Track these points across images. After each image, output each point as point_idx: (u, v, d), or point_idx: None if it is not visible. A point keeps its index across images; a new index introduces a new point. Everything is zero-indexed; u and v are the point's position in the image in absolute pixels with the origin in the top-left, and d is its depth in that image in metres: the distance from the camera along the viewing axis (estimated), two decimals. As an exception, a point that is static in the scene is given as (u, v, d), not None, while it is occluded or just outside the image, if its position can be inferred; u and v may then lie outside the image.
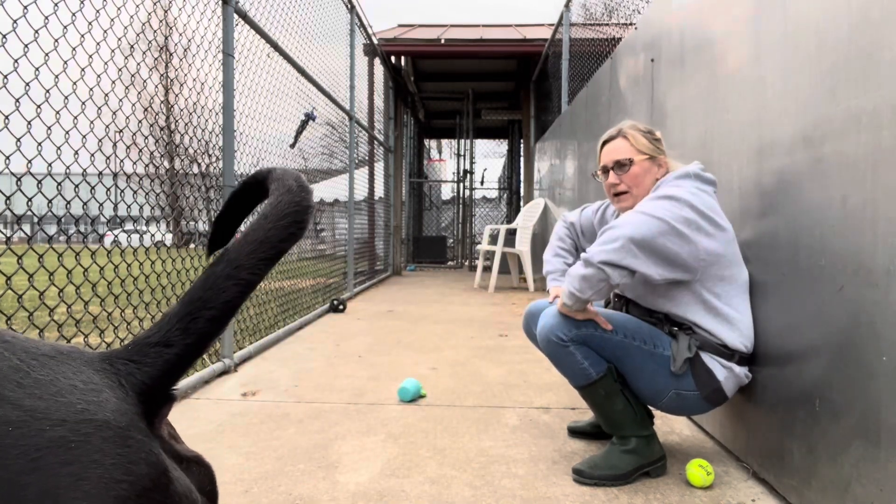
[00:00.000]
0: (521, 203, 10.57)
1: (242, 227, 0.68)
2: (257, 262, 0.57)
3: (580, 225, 2.05)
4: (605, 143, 1.80)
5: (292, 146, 4.43)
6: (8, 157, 1.59)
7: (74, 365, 0.49)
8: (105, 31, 1.95)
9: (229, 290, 0.55)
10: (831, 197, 1.29)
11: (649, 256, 1.47)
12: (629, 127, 1.76)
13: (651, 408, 1.73)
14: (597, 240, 1.52)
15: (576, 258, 2.05)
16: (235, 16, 2.86)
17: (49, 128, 1.70)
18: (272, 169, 0.67)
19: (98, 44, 1.92)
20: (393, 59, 8.57)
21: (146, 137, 2.33)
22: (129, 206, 2.31)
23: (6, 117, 1.58)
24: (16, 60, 1.56)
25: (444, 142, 16.06)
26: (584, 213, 2.05)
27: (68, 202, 1.92)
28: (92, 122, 1.91)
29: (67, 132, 1.79)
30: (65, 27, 1.75)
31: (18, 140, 1.62)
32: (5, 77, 1.57)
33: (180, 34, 2.59)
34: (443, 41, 8.15)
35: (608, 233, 1.50)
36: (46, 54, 1.67)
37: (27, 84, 1.60)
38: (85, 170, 1.91)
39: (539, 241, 6.93)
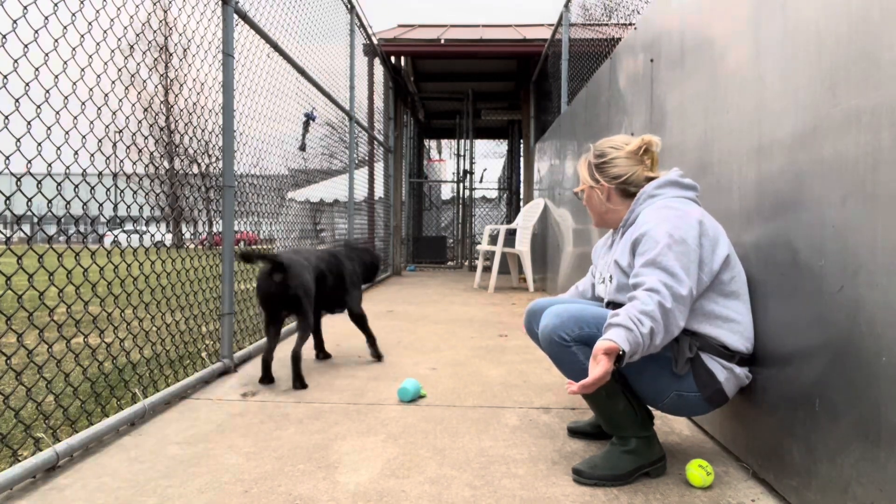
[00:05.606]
0: (521, 203, 10.57)
1: None
2: None
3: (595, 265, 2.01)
4: None
5: (302, 149, 4.43)
6: (8, 158, 1.59)
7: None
8: (105, 32, 1.95)
9: None
10: (831, 197, 1.29)
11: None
12: (585, 155, 1.86)
13: (651, 408, 1.73)
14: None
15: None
16: (235, 16, 2.86)
17: (49, 128, 1.70)
18: None
19: (98, 44, 1.92)
20: (393, 59, 8.57)
21: (146, 137, 2.33)
22: (129, 207, 2.31)
23: (6, 117, 1.57)
24: (16, 60, 1.56)
25: (444, 142, 16.06)
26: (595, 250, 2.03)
27: (68, 202, 1.92)
28: (92, 123, 1.90)
29: (67, 132, 1.79)
30: (64, 27, 1.75)
31: (18, 140, 1.62)
32: (5, 77, 1.57)
33: (180, 34, 2.58)
34: (443, 41, 8.16)
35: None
36: (46, 54, 1.66)
37: (27, 84, 1.60)
38: (85, 170, 1.91)
39: (539, 241, 6.93)
